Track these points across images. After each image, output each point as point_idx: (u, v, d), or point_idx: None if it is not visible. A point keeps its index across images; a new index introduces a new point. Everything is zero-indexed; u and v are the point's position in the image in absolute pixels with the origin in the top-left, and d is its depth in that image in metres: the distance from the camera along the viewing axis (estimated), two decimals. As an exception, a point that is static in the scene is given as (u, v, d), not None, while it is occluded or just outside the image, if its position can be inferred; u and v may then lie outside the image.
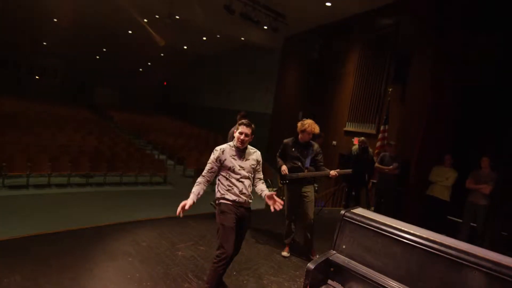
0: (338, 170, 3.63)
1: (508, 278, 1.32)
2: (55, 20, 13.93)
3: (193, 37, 15.13)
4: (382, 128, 6.92)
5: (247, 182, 2.53)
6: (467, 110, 5.92)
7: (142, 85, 22.53)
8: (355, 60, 8.62)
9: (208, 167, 2.54)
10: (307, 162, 3.67)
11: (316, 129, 3.57)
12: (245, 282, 2.99)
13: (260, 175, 2.69)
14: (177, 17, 11.78)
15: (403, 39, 6.89)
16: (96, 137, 10.50)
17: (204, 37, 15.20)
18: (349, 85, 8.80)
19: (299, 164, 3.61)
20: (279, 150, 3.80)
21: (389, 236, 1.70)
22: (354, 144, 6.96)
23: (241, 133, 2.50)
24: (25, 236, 3.50)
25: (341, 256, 1.80)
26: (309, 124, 3.54)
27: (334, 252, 1.83)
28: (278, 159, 3.75)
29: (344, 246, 1.84)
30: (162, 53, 19.55)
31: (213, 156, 2.53)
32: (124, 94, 22.06)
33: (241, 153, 2.56)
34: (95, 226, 3.99)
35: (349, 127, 8.71)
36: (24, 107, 13.17)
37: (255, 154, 2.65)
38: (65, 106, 15.74)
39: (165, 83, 23.46)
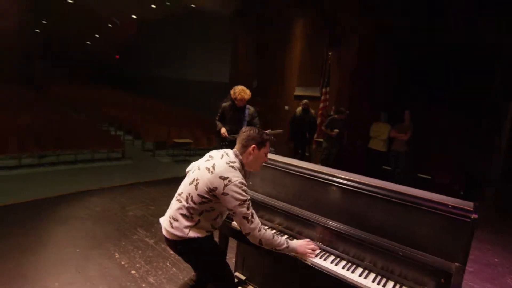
0: (269, 130, 4.00)
1: (357, 190, 1.81)
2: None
3: (141, 5, 14.41)
4: (323, 90, 7.45)
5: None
6: (397, 71, 6.55)
7: (92, 59, 21.20)
8: (301, 25, 8.92)
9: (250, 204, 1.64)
10: (244, 124, 4.02)
11: (247, 95, 3.83)
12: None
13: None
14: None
15: (339, 3, 7.26)
16: (46, 116, 10.08)
17: (153, 5, 14.53)
18: (297, 50, 9.16)
19: (236, 126, 3.92)
20: (218, 114, 4.06)
21: (280, 170, 2.15)
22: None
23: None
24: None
25: (249, 190, 2.23)
26: (239, 92, 3.80)
27: (244, 188, 2.26)
28: (218, 123, 4.01)
29: (251, 182, 2.27)
30: (109, 23, 18.41)
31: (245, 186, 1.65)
32: (73, 69, 20.67)
33: None
34: (45, 197, 4.15)
35: (298, 92, 9.18)
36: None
37: None
38: (7, 84, 14.59)
39: (117, 56, 22.27)
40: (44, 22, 17.36)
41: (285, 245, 1.67)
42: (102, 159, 8.72)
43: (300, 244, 1.71)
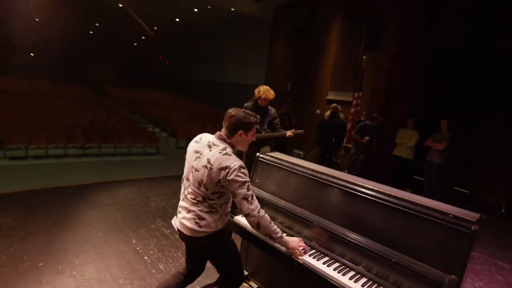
0: (293, 130, 3.99)
1: (356, 193, 1.77)
2: (45, -5, 13.94)
3: (184, 8, 15.07)
4: (356, 95, 7.25)
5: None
6: (431, 75, 6.22)
7: (138, 60, 22.57)
8: (337, 28, 8.78)
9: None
10: (265, 125, 4.05)
11: (271, 95, 3.86)
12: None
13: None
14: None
15: (376, 6, 7.05)
16: (91, 111, 10.93)
17: (195, 8, 15.13)
18: (331, 54, 9.02)
19: (259, 126, 3.99)
20: None
21: (285, 169, 2.16)
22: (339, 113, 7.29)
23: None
24: (18, 191, 4.05)
25: (255, 187, 2.26)
26: (263, 91, 3.83)
27: (250, 185, 2.31)
28: None
29: (257, 180, 2.31)
30: (155, 26, 19.48)
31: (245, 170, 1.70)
32: (120, 69, 22.18)
33: None
34: (80, 184, 4.52)
35: (331, 96, 9.03)
36: (19, 85, 13.53)
37: None
38: (61, 82, 16.04)
39: (161, 58, 23.47)
40: (97, 24, 18.80)
41: (279, 235, 1.69)
42: (138, 154, 9.26)
43: (293, 240, 1.73)
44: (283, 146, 6.30)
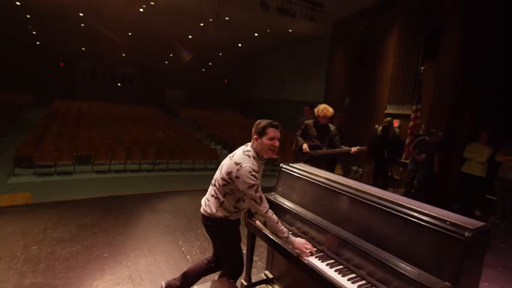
0: (358, 147, 3.99)
1: (360, 199, 1.84)
2: (130, 33, 16.41)
3: (246, 34, 16.11)
4: (414, 108, 6.88)
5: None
6: (503, 80, 5.60)
7: (205, 84, 24.55)
8: (395, 39, 8.51)
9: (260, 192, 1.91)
10: (325, 141, 4.12)
11: (328, 112, 3.99)
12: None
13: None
14: (226, 18, 12.86)
15: (436, 13, 6.69)
16: (162, 131, 12.29)
17: (256, 33, 16.07)
18: (389, 67, 8.73)
19: (318, 142, 4.07)
20: (300, 130, 4.20)
21: (303, 178, 2.30)
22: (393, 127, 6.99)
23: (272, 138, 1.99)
24: (98, 196, 4.88)
25: (277, 195, 2.46)
26: (322, 109, 4.00)
27: (274, 193, 2.50)
28: (299, 138, 4.14)
29: (280, 189, 2.49)
30: (220, 53, 21.15)
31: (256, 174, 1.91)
32: (189, 93, 24.38)
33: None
34: (145, 193, 5.22)
35: (389, 110, 8.67)
36: (107, 108, 15.91)
37: None
38: (139, 106, 18.34)
39: (225, 81, 25.14)
40: (171, 55, 21.20)
41: (285, 235, 1.87)
42: (201, 169, 10.07)
43: (299, 241, 1.87)
44: (332, 164, 6.21)
